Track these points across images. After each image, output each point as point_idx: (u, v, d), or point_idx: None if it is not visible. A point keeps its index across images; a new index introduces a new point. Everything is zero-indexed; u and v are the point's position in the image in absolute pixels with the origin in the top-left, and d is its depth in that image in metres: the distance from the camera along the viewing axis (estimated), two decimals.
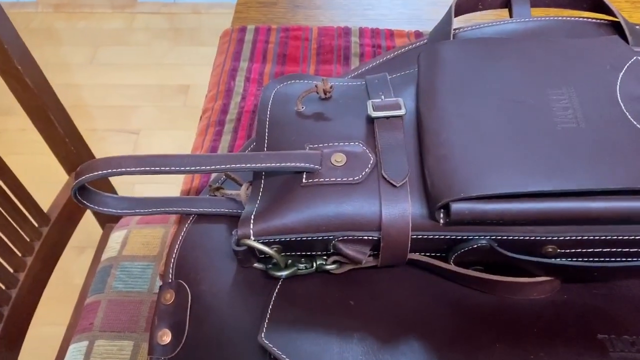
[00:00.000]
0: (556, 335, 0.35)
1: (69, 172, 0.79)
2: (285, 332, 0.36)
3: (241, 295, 0.38)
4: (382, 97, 0.42)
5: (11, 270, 0.66)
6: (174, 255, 0.41)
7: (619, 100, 0.37)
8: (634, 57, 0.39)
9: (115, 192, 0.91)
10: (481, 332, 0.36)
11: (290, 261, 0.39)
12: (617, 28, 0.50)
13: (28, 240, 0.69)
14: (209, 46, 1.81)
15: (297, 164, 0.38)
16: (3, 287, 0.65)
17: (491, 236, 0.36)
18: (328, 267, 0.38)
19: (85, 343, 0.69)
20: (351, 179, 0.37)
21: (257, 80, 0.58)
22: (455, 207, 0.34)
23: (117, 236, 0.80)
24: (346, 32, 0.63)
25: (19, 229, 0.67)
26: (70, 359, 0.68)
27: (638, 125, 0.35)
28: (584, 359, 0.33)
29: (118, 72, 1.75)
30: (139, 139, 1.55)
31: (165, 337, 0.37)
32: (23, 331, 0.67)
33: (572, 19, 0.52)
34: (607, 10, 0.51)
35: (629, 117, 0.36)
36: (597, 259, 0.37)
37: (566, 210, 0.33)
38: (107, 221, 0.87)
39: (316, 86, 0.43)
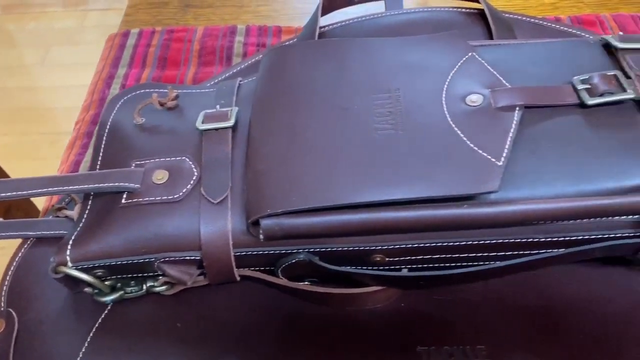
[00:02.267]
0: (376, 349, 0.34)
1: None
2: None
3: (69, 323, 0.37)
4: (218, 106, 0.40)
5: None
6: (6, 282, 0.39)
7: (443, 100, 0.35)
8: (470, 53, 0.38)
9: (38, 211, 0.89)
10: (305, 346, 0.35)
11: (119, 285, 0.37)
12: (485, 16, 0.49)
13: None
14: None
15: (116, 183, 0.36)
16: None
17: (312, 249, 0.34)
18: (158, 289, 0.37)
19: None
20: (171, 197, 0.36)
21: None
22: (264, 223, 0.33)
23: None
24: (232, 31, 0.61)
25: None
26: None
27: (454, 127, 0.34)
28: None
29: (69, 72, 1.72)
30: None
31: None
32: None
33: (442, 9, 0.50)
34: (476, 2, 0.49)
35: (448, 118, 0.34)
36: (428, 265, 0.35)
37: (376, 221, 0.32)
38: None
39: (153, 97, 0.41)
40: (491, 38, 0.47)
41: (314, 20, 0.50)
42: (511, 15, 0.50)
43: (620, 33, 0.40)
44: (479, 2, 0.49)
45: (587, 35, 0.39)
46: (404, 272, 0.36)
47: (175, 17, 0.65)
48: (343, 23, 0.51)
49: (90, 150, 0.51)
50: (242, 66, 0.50)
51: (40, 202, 1.09)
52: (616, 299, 0.36)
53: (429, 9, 0.50)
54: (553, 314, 0.35)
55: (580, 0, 0.65)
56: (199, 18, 0.65)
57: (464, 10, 0.50)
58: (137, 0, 0.68)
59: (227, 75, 0.49)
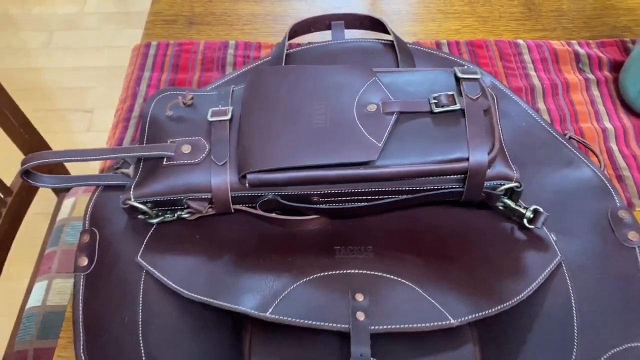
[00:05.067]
0: (310, 248, 0.59)
1: (25, 153, 1.01)
2: (156, 255, 0.59)
3: (130, 235, 0.62)
4: (220, 105, 0.64)
5: None
6: (88, 212, 0.64)
7: (354, 107, 0.60)
8: (373, 78, 0.62)
9: (67, 171, 1.13)
10: (270, 249, 0.60)
11: (160, 213, 0.62)
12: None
13: None
14: None
15: (159, 152, 0.61)
16: None
17: (277, 193, 0.59)
18: (184, 215, 0.62)
19: (46, 282, 0.92)
20: (193, 161, 0.60)
21: (155, 86, 0.80)
22: (249, 176, 0.57)
23: (68, 202, 1.02)
24: (225, 45, 0.85)
25: None
26: (36, 294, 0.91)
27: (358, 123, 0.58)
28: (319, 259, 0.58)
29: (72, 55, 1.93)
30: (93, 117, 1.75)
31: (83, 261, 0.61)
32: None
33: (368, 40, 0.75)
34: (390, 34, 0.74)
35: (355, 117, 0.59)
36: (346, 204, 0.61)
37: (311, 176, 0.57)
38: (61, 191, 1.09)
39: (178, 98, 0.65)
40: (398, 64, 0.72)
41: (282, 45, 0.74)
42: (413, 46, 0.75)
43: (467, 66, 0.65)
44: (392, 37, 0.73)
45: (463, 63, 0.63)
46: (333, 206, 0.61)
47: (183, 32, 0.89)
48: (301, 47, 0.75)
49: (130, 130, 0.75)
50: (234, 75, 0.74)
51: (76, 168, 1.34)
52: (454, 224, 0.62)
53: (359, 40, 0.75)
54: (417, 232, 0.61)
55: (476, 27, 0.90)
56: (200, 33, 0.89)
57: (382, 41, 0.75)
58: (153, 17, 0.91)
59: (224, 80, 0.74)
